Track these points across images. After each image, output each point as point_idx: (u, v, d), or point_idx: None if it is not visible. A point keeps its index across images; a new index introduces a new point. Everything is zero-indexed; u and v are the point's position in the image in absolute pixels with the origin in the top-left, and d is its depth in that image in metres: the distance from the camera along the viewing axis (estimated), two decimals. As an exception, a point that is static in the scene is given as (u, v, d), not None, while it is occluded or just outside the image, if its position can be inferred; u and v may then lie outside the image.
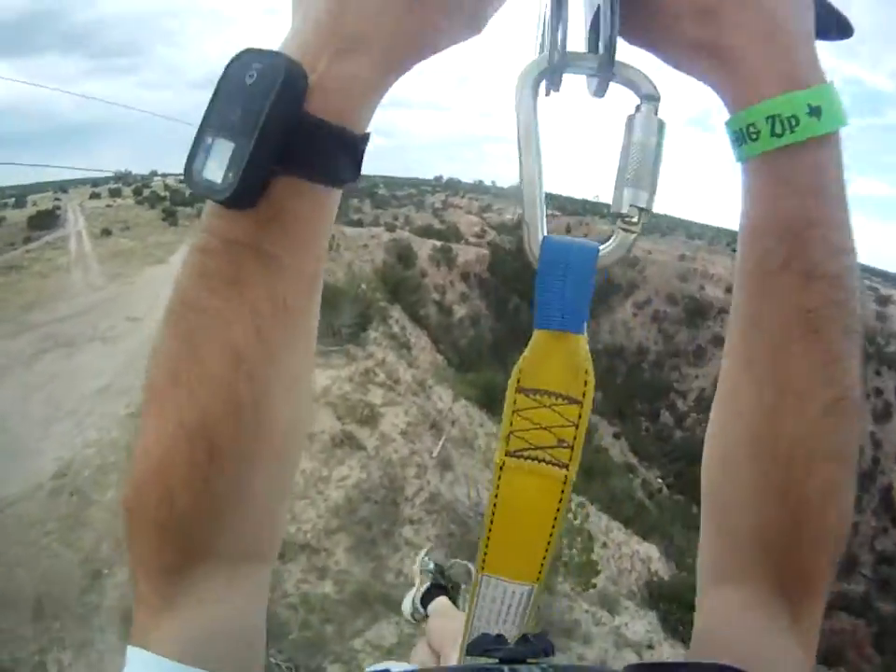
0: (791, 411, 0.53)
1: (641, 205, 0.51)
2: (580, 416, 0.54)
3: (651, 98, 0.51)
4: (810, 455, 0.53)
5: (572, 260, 0.51)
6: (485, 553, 0.61)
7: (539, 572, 0.61)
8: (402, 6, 0.48)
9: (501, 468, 0.56)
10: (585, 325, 0.53)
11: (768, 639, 0.55)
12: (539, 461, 0.55)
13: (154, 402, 0.51)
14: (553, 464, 0.55)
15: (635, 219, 0.52)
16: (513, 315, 50.06)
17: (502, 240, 69.06)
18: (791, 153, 0.50)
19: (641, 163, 0.50)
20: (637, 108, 0.51)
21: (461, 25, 0.53)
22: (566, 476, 0.55)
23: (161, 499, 0.50)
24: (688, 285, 77.79)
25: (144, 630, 0.51)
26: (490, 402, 12.85)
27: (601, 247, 0.53)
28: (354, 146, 0.49)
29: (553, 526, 0.58)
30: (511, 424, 0.55)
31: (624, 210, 0.51)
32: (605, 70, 0.50)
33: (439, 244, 53.77)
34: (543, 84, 0.53)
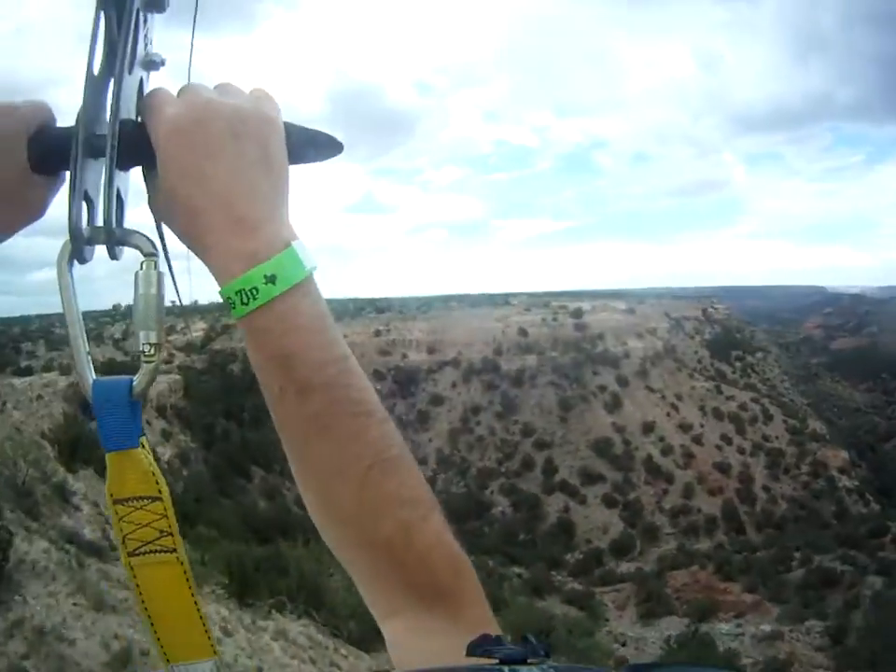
0: (337, 489, 0.69)
1: (153, 342, 0.63)
2: (165, 508, 0.63)
3: (150, 255, 0.63)
4: (373, 509, 0.69)
5: (112, 394, 0.62)
6: (162, 647, 0.66)
7: (212, 646, 0.67)
8: None
9: (132, 568, 0.64)
10: (140, 438, 0.65)
11: (435, 644, 0.68)
12: (154, 552, 0.63)
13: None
14: (164, 551, 0.63)
15: (152, 352, 0.63)
16: (223, 438, 44.99)
17: (192, 360, 64.36)
18: (263, 311, 0.65)
19: (146, 310, 0.63)
20: (141, 265, 0.64)
21: (23, 213, 0.67)
22: (177, 557, 0.63)
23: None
24: (391, 357, 78.07)
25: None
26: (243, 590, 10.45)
27: (134, 379, 0.64)
28: None
29: (196, 602, 0.65)
30: (122, 529, 0.63)
31: (142, 348, 0.63)
32: (110, 240, 0.63)
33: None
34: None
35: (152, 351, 0.65)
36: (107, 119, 0.63)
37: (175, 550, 0.65)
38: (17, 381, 35.01)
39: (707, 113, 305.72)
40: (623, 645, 28.60)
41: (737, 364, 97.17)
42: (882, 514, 62.97)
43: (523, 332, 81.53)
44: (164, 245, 0.70)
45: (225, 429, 45.66)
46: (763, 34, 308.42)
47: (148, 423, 46.74)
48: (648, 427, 73.15)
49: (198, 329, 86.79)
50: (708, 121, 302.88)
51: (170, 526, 0.64)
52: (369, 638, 10.03)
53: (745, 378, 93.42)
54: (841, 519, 64.32)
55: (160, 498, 0.65)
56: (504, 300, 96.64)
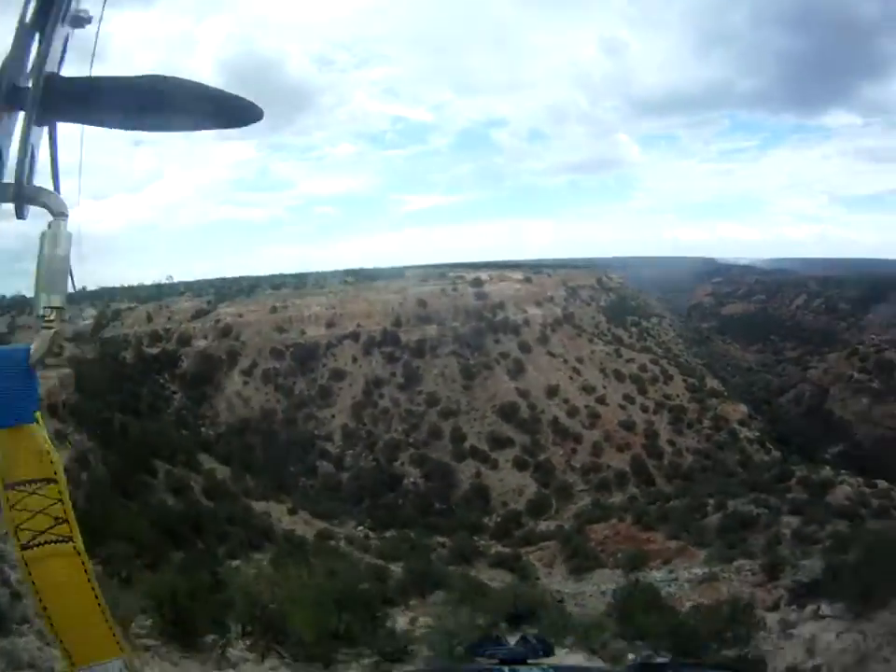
0: None
1: (55, 305, 0.60)
2: (60, 491, 0.60)
3: (61, 215, 0.60)
4: None
5: (5, 364, 0.57)
6: (65, 650, 0.62)
7: (118, 642, 0.63)
8: None
9: (26, 563, 0.60)
10: (35, 412, 0.58)
11: None
12: (49, 543, 0.59)
13: None
14: (60, 540, 0.60)
15: (53, 317, 0.60)
16: (122, 433, 40.98)
17: (83, 351, 59.64)
18: None
19: (52, 272, 0.59)
20: (49, 225, 0.61)
21: None
22: (74, 547, 0.60)
23: None
24: (289, 334, 75.43)
25: None
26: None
27: (31, 347, 0.58)
28: None
29: (97, 596, 0.61)
30: (14, 519, 0.60)
31: (42, 312, 0.60)
32: (19, 197, 0.59)
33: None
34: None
35: (53, 315, 0.60)
36: (30, 71, 0.56)
37: (71, 538, 0.60)
38: None
39: (606, 96, 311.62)
40: (561, 602, 27.45)
41: (633, 329, 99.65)
42: (784, 461, 65.45)
43: (422, 303, 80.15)
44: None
45: (123, 423, 41.62)
46: (671, 27, 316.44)
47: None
48: (552, 391, 73.23)
49: (87, 317, 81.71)
50: (607, 103, 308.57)
51: (65, 512, 0.60)
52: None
53: (641, 342, 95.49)
54: (745, 467, 66.57)
55: (54, 480, 0.60)
56: (400, 273, 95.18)
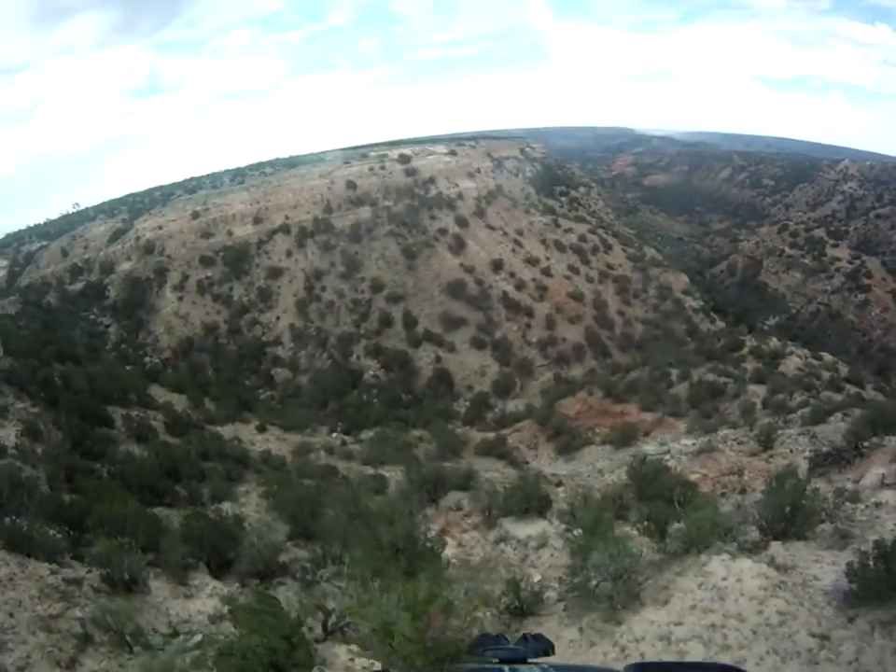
0: None
1: None
2: None
3: None
4: None
5: None
6: None
7: None
8: None
9: None
10: None
11: None
12: None
13: None
14: None
15: None
16: (65, 387, 35.20)
17: (2, 306, 54.57)
18: None
19: None
20: None
21: None
22: None
23: None
24: (215, 238, 71.00)
25: None
26: None
27: None
28: None
29: None
30: None
31: None
32: None
33: None
34: None
35: None
36: None
37: None
38: None
39: None
40: (560, 485, 26.01)
41: (563, 199, 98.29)
42: (731, 331, 66.81)
43: (351, 185, 75.93)
44: None
45: (64, 375, 36.62)
46: None
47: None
48: (497, 265, 71.66)
49: (-1, 268, 75.55)
50: None
51: None
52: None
53: (574, 212, 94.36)
54: (693, 336, 67.29)
55: None
56: (319, 158, 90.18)
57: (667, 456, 28.60)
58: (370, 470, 32.41)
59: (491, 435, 45.56)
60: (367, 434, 45.16)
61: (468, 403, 57.14)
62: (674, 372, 51.22)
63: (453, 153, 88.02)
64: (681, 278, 76.46)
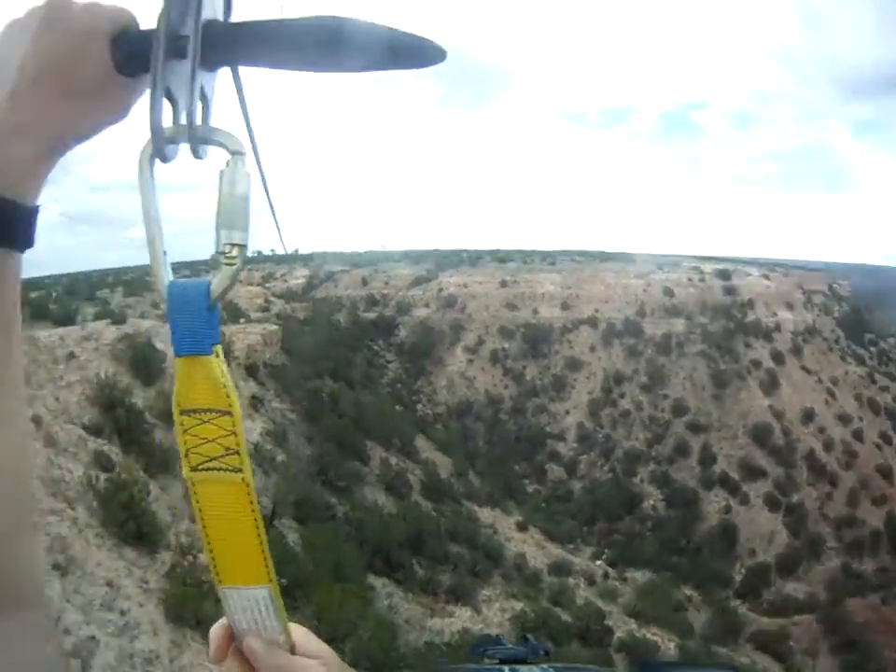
0: None
1: (236, 242, 0.61)
2: (234, 424, 0.62)
3: (237, 153, 0.63)
4: None
5: (188, 295, 0.60)
6: (216, 567, 0.66)
7: (268, 573, 0.66)
8: (55, 102, 0.65)
9: (193, 483, 0.63)
10: (214, 347, 0.61)
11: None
12: (217, 470, 0.62)
13: None
14: (229, 470, 0.62)
15: (234, 254, 0.62)
16: (330, 406, 33.50)
17: (292, 308, 54.93)
18: None
19: (231, 209, 0.61)
20: (227, 163, 0.63)
21: (108, 113, 0.70)
22: (242, 478, 0.62)
23: None
24: (519, 312, 67.98)
25: None
26: None
27: (212, 282, 0.61)
28: (25, 215, 0.64)
29: (257, 527, 0.64)
30: (185, 443, 0.62)
31: (222, 249, 0.61)
32: (193, 138, 0.63)
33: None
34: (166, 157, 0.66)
35: (234, 252, 0.63)
36: (190, 20, 0.64)
37: (241, 470, 0.64)
38: (43, 333, 22.30)
39: (812, 75, 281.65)
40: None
41: (872, 349, 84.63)
42: None
43: (668, 292, 70.33)
44: (263, 175, 0.71)
45: (333, 393, 34.97)
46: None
47: (236, 386, 34.85)
48: (807, 416, 62.19)
49: (298, 277, 78.30)
50: (814, 84, 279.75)
51: (237, 444, 0.63)
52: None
53: (883, 366, 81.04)
54: None
55: (229, 413, 0.63)
56: (627, 257, 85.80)
57: None
58: (634, 626, 27.44)
59: (768, 622, 38.63)
60: (632, 573, 39.61)
61: (744, 571, 48.81)
62: None
63: (766, 277, 79.87)
64: None
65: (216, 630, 0.71)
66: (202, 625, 9.82)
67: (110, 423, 15.99)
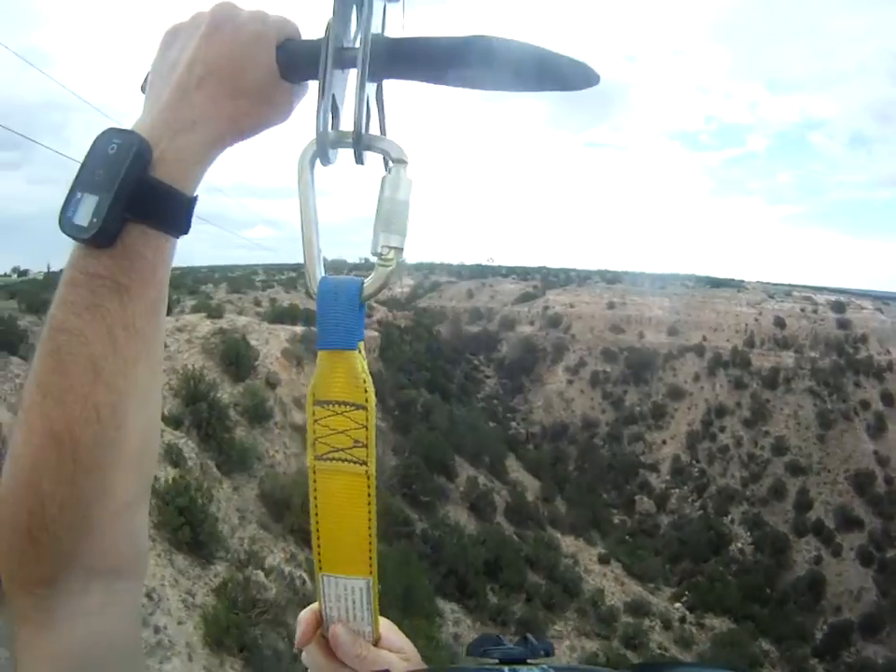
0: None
1: (393, 245, 0.63)
2: (367, 419, 0.63)
3: (400, 161, 0.64)
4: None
5: (340, 291, 0.62)
6: (319, 554, 0.67)
7: (370, 566, 0.67)
8: (222, 101, 0.69)
9: (315, 471, 0.64)
10: (359, 342, 0.64)
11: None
12: (342, 461, 0.63)
13: (25, 413, 0.61)
14: (354, 462, 0.63)
15: (390, 256, 0.63)
16: (422, 417, 33.77)
17: (395, 316, 56.43)
18: None
19: (391, 213, 0.63)
20: (389, 170, 0.65)
21: (271, 114, 0.74)
22: (366, 471, 0.63)
23: (31, 506, 0.58)
24: (625, 335, 68.04)
25: (28, 647, 0.60)
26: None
27: (365, 281, 0.64)
28: (186, 204, 0.68)
29: (370, 520, 0.64)
30: (315, 432, 0.64)
31: (380, 250, 0.63)
32: (358, 143, 0.65)
33: (299, 329, 29.64)
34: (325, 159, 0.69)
35: (390, 255, 0.65)
36: (353, 34, 0.66)
37: (366, 463, 0.65)
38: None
39: None
40: None
41: None
42: None
43: (780, 323, 68.83)
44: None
45: (426, 404, 35.29)
46: None
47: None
48: (914, 464, 59.76)
49: (403, 285, 79.69)
50: None
51: (367, 438, 0.64)
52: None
53: None
54: None
55: (364, 407, 0.65)
56: (738, 284, 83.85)
57: None
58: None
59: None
60: (711, 619, 38.53)
61: (826, 628, 47.27)
62: None
63: (880, 311, 76.30)
64: None
65: (305, 615, 0.74)
66: (243, 653, 9.54)
67: (190, 416, 16.03)
